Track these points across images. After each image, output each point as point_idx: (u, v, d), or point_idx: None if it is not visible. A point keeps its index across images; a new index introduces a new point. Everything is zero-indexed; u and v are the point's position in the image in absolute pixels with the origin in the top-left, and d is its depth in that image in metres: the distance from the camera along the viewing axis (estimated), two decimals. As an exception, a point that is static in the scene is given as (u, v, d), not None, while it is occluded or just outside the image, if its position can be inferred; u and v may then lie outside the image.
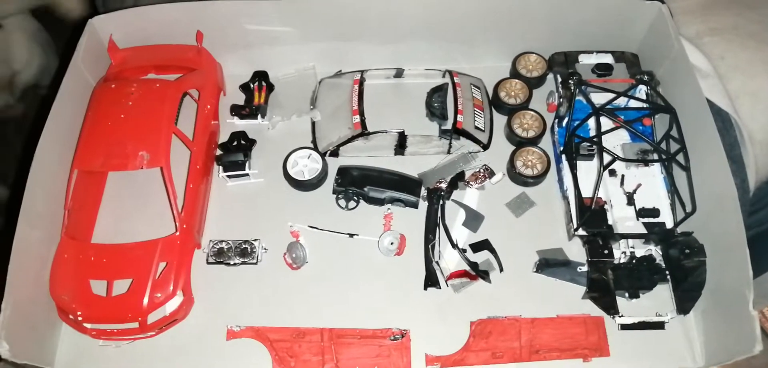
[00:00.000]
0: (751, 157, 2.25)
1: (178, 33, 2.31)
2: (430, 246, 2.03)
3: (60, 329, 1.95)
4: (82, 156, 1.97)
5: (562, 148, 2.16)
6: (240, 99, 2.40)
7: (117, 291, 1.90)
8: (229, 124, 2.34)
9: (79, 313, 1.85)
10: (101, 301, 1.87)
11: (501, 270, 2.01)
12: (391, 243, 2.05)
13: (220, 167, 2.19)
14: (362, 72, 2.37)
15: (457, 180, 2.17)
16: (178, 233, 1.95)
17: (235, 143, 2.23)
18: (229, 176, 2.19)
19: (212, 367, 1.90)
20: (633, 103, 2.14)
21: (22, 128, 3.10)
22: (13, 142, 3.10)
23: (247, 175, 2.20)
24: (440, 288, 2.00)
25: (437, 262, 2.02)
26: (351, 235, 2.09)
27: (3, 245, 1.78)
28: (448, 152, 2.25)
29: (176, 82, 2.16)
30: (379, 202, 2.14)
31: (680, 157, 1.94)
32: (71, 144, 2.02)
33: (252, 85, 2.40)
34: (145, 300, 1.85)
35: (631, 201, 2.05)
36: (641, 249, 2.00)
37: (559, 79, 2.29)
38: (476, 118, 2.26)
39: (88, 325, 1.88)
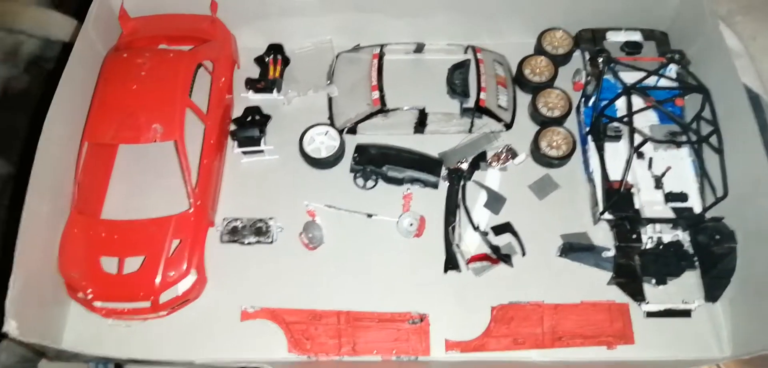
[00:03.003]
0: (782, 141, 2.19)
1: (190, 2, 2.25)
2: (450, 228, 1.99)
3: (69, 307, 1.91)
4: (93, 128, 1.91)
5: (588, 129, 2.10)
6: (254, 72, 2.34)
7: (128, 269, 1.86)
8: (244, 99, 2.28)
9: (89, 291, 1.81)
10: (112, 279, 1.83)
11: (523, 254, 1.97)
12: (411, 224, 2.00)
13: (235, 142, 2.14)
14: (381, 46, 2.30)
15: (479, 160, 2.12)
16: (191, 210, 1.90)
17: (250, 118, 2.17)
18: (243, 152, 2.14)
19: (226, 349, 1.86)
20: (663, 83, 2.08)
21: (26, 101, 3.03)
22: (18, 116, 3.03)
23: (262, 151, 2.15)
24: (460, 271, 1.96)
25: (457, 245, 1.98)
26: (369, 215, 2.05)
27: (10, 221, 1.72)
28: (470, 131, 2.20)
29: (190, 52, 2.10)
30: (398, 182, 2.09)
31: (713, 140, 1.88)
32: (81, 115, 1.96)
33: (267, 59, 2.34)
34: (158, 279, 1.80)
35: (659, 184, 2.00)
36: (668, 235, 1.96)
37: (587, 57, 2.23)
38: (499, 96, 2.20)
39: (98, 304, 1.83)
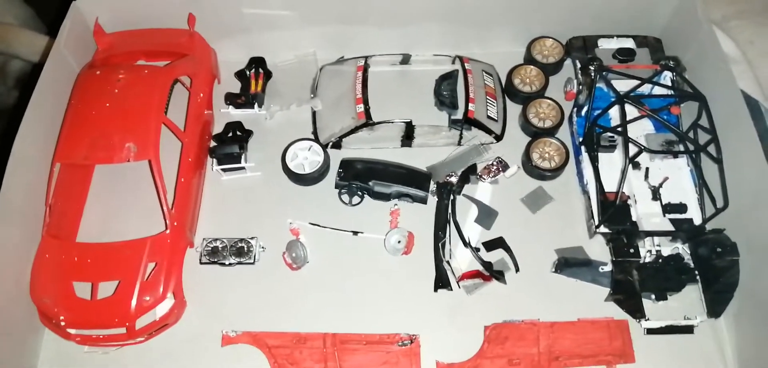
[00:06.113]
0: (782, 148, 2.14)
1: (168, 16, 2.22)
2: (440, 244, 1.94)
3: (42, 335, 1.86)
4: (65, 148, 1.86)
5: (581, 139, 2.06)
6: (235, 87, 2.30)
7: (102, 294, 1.81)
8: (224, 114, 2.25)
9: (61, 318, 1.75)
10: (86, 305, 1.78)
11: (517, 270, 1.92)
12: (399, 242, 1.96)
13: (214, 160, 2.09)
14: (366, 58, 2.27)
15: (469, 173, 2.07)
16: (168, 231, 1.85)
17: (231, 134, 2.14)
18: (223, 169, 2.10)
19: (207, 375, 1.81)
20: (657, 91, 2.04)
21: (16, 117, 3.02)
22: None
23: (243, 168, 2.11)
24: (451, 289, 1.91)
25: (448, 262, 1.93)
26: (355, 233, 2.00)
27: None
28: (459, 143, 2.16)
29: (166, 68, 2.05)
30: (385, 197, 2.04)
31: (711, 148, 1.83)
32: (53, 135, 1.91)
33: (248, 73, 2.31)
34: (133, 304, 1.75)
35: (656, 195, 1.96)
36: (668, 248, 1.91)
37: (578, 65, 2.19)
38: (489, 107, 2.15)
39: (71, 331, 1.78)
